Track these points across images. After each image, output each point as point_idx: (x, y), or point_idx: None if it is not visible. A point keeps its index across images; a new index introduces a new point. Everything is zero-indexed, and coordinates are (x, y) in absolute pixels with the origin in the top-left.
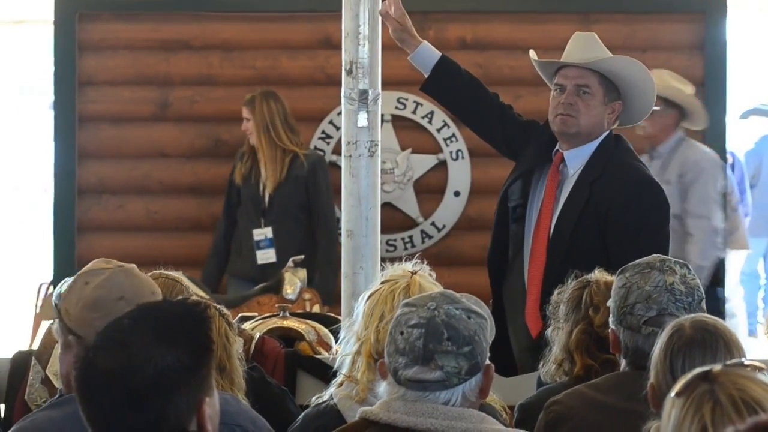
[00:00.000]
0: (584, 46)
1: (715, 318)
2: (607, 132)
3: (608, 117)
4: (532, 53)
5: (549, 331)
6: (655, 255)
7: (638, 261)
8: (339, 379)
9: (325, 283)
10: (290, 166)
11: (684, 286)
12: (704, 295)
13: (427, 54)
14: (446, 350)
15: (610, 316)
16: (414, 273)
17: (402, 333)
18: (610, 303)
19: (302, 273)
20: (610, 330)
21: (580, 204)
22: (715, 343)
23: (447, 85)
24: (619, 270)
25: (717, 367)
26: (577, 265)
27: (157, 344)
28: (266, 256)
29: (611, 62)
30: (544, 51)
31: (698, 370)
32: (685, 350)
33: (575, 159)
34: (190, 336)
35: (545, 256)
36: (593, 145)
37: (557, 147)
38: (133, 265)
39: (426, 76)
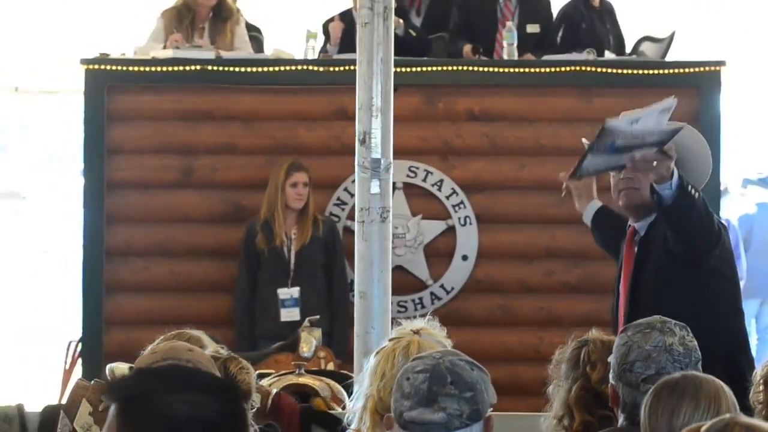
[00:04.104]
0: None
1: (707, 375)
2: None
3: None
4: (585, 140)
5: (550, 388)
6: (656, 316)
7: (640, 321)
8: None
9: (339, 340)
10: (313, 229)
11: (682, 347)
12: (701, 357)
13: (591, 208)
14: (449, 393)
15: (611, 371)
16: (417, 332)
17: (408, 378)
18: (611, 359)
19: (317, 332)
20: (609, 385)
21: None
22: (704, 395)
23: (599, 232)
24: (622, 329)
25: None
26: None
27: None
28: (291, 314)
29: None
30: (549, 122)
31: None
32: (675, 401)
33: (644, 228)
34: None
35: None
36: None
37: (629, 222)
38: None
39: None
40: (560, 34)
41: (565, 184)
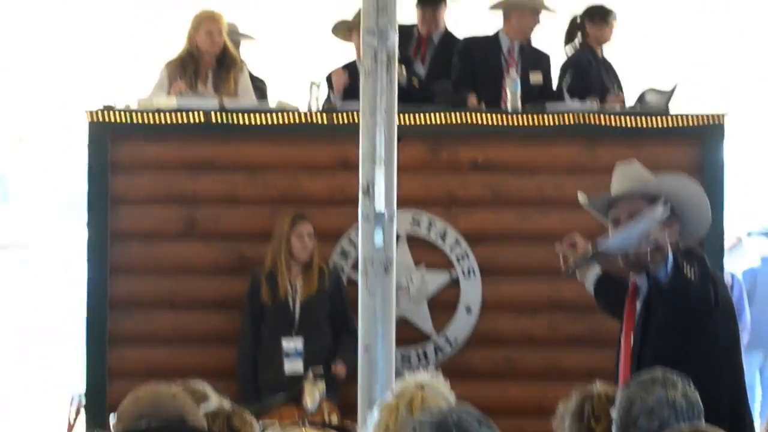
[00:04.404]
0: (628, 175)
1: (714, 426)
2: (673, 252)
3: (669, 237)
4: (581, 196)
5: None
6: (658, 369)
7: (642, 374)
8: None
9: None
10: (318, 279)
11: (685, 400)
12: (703, 409)
13: (592, 276)
14: None
15: (613, 425)
16: (420, 386)
17: (414, 429)
18: (613, 413)
19: (321, 385)
20: None
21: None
22: None
23: (602, 298)
24: (624, 383)
25: None
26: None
27: None
28: (294, 365)
29: (657, 184)
30: (552, 173)
31: None
32: None
33: (646, 284)
34: None
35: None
36: (661, 267)
37: (630, 277)
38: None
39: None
40: (568, 81)
41: (561, 256)
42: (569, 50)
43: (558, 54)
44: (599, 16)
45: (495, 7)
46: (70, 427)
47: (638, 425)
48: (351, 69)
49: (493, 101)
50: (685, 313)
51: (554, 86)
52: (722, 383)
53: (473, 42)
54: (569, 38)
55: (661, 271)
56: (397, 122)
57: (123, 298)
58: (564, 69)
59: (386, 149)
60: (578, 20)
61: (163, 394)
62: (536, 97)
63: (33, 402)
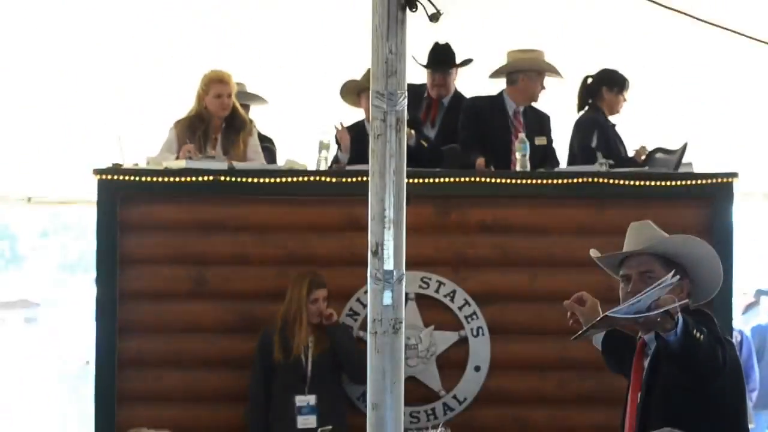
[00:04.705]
0: (641, 234)
1: None
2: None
3: (679, 297)
4: (593, 252)
5: None
6: (665, 429)
7: None
8: None
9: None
10: (330, 338)
11: None
12: None
13: (600, 334)
14: None
15: None
16: None
17: None
18: None
19: None
20: None
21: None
22: None
23: (611, 356)
24: None
25: None
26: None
27: None
28: (307, 421)
29: (669, 243)
30: (561, 234)
31: None
32: None
33: (654, 342)
34: None
35: None
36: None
37: (639, 335)
38: None
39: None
40: (595, 142)
41: (569, 313)
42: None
43: (557, 112)
44: (618, 86)
45: (497, 74)
46: None
47: None
48: (358, 128)
49: (502, 163)
50: (693, 373)
51: (554, 145)
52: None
53: (480, 102)
54: (584, 101)
55: (671, 335)
56: (406, 184)
57: (132, 356)
58: (586, 129)
59: (395, 210)
60: (591, 82)
61: None
62: (542, 158)
63: None
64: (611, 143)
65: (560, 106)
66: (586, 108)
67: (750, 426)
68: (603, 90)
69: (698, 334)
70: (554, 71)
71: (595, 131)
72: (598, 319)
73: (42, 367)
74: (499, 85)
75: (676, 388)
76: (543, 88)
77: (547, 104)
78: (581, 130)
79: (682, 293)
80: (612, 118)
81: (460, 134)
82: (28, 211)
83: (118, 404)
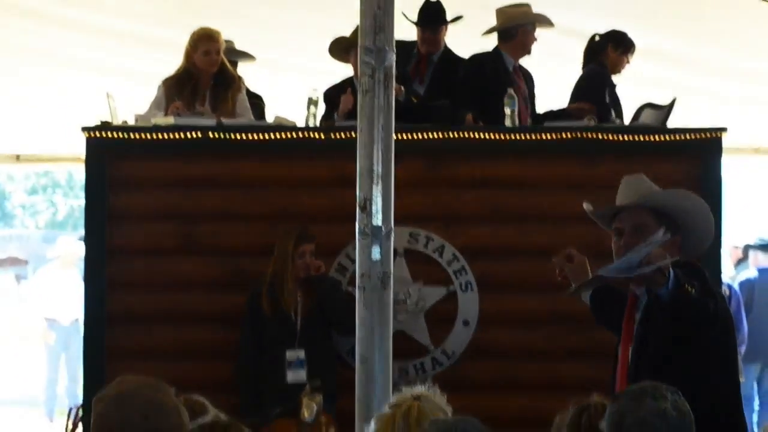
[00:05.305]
0: (634, 188)
1: None
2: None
3: (670, 252)
4: (586, 205)
5: None
6: (647, 382)
7: (631, 387)
8: None
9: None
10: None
11: (676, 411)
12: (694, 420)
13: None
14: None
15: None
16: (417, 398)
17: None
18: (602, 426)
19: (319, 398)
20: None
21: (643, 333)
22: None
23: (599, 311)
24: (613, 396)
25: None
26: None
27: None
28: (297, 376)
29: (661, 196)
30: (550, 189)
31: None
32: None
33: (645, 295)
34: None
35: None
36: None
37: (630, 288)
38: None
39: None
40: (608, 98)
41: (557, 269)
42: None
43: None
44: (624, 47)
45: (492, 31)
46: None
47: None
48: (347, 85)
49: (496, 120)
50: (684, 325)
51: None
52: (719, 394)
53: (482, 59)
54: (589, 58)
55: (662, 288)
56: (394, 139)
57: (121, 312)
58: (597, 86)
59: (383, 166)
60: (598, 39)
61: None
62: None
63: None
64: (617, 102)
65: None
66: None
67: (740, 380)
68: (609, 47)
69: (690, 288)
70: (549, 22)
71: (606, 89)
72: (591, 277)
73: (32, 323)
74: (488, 42)
75: (667, 340)
76: (535, 39)
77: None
78: (593, 86)
79: (673, 248)
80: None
81: (457, 90)
82: (17, 169)
83: (107, 360)
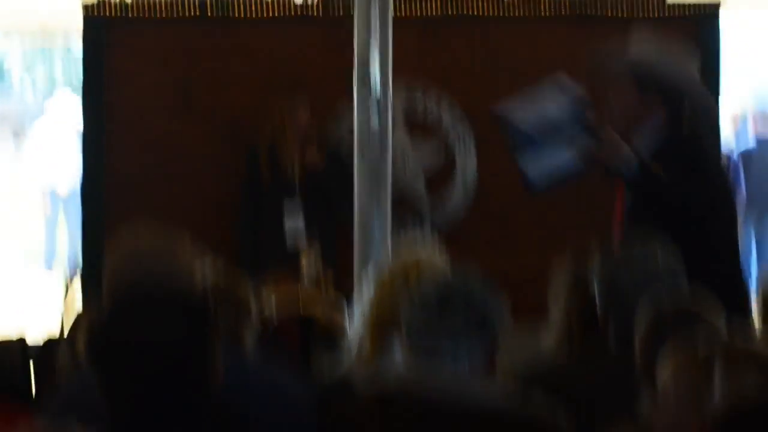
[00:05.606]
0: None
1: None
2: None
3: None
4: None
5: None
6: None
7: (623, 244)
8: (349, 354)
9: None
10: (318, 155)
11: (668, 266)
12: (685, 269)
13: None
14: (459, 308)
15: (597, 300)
16: (417, 261)
17: (418, 293)
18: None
19: (318, 257)
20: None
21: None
22: None
23: None
24: (601, 254)
25: None
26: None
27: None
28: (296, 236)
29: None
30: (548, 60)
31: None
32: None
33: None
34: None
35: None
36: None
37: None
38: None
39: None
40: None
41: None
42: None
43: None
44: None
45: None
46: (67, 304)
47: (621, 289)
48: None
49: None
50: (687, 169)
51: None
52: (722, 240)
53: None
54: None
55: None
56: (392, 6)
57: (119, 176)
58: None
59: (381, 32)
60: None
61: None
62: None
63: (31, 282)
64: None
65: None
66: None
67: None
68: None
69: (661, 173)
70: None
71: None
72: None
73: (31, 183)
74: None
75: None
76: None
77: None
78: None
79: (654, 116)
80: None
81: None
82: (11, 42)
83: (106, 223)
